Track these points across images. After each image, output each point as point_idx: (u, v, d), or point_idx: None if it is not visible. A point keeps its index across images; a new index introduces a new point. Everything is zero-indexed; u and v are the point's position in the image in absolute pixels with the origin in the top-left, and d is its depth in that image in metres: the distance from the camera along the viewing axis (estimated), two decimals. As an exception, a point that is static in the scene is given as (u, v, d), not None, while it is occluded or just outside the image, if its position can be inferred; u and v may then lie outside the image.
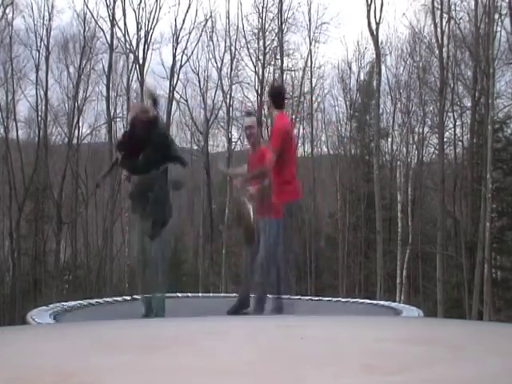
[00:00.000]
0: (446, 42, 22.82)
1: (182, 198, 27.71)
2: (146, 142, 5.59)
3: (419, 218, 25.47)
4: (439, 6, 22.76)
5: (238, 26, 26.53)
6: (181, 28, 26.88)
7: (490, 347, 1.66)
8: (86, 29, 27.27)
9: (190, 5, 26.75)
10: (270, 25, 26.61)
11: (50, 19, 27.00)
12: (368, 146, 28.01)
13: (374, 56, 23.75)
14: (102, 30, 26.90)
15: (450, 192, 24.01)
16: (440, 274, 20.93)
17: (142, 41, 26.79)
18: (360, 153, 28.88)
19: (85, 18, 26.95)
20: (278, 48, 26.25)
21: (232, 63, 26.58)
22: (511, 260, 23.51)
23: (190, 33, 26.90)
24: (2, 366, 1.42)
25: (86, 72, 27.94)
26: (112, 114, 27.30)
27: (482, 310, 18.90)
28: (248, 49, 26.71)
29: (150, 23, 26.70)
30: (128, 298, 8.12)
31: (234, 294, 7.48)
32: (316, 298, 9.97)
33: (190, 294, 9.04)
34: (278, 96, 6.15)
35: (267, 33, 26.55)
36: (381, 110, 25.18)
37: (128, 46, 26.95)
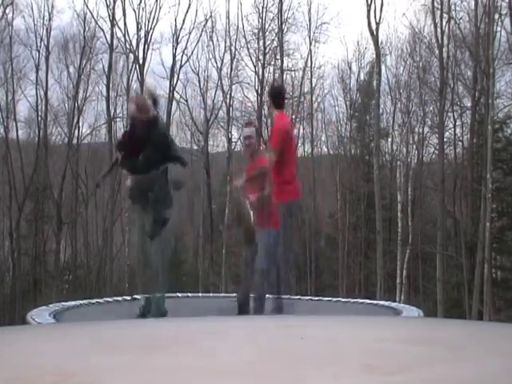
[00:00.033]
0: (446, 41, 22.83)
1: (182, 197, 27.71)
2: (145, 142, 5.59)
3: (419, 218, 25.47)
4: (439, 6, 22.76)
5: (237, 26, 26.57)
6: (181, 28, 26.93)
7: (490, 347, 1.66)
8: (86, 29, 27.32)
9: (190, 5, 26.79)
10: (269, 25, 26.65)
11: (50, 19, 27.07)
12: (368, 146, 28.01)
13: (374, 56, 23.77)
14: (102, 30, 26.95)
15: (450, 192, 24.01)
16: (440, 274, 20.93)
17: (142, 41, 26.84)
18: (360, 153, 28.89)
19: (85, 18, 27.00)
20: (278, 48, 26.25)
21: (232, 63, 26.60)
22: (511, 260, 23.51)
23: (190, 33, 26.96)
24: (2, 366, 1.42)
25: (86, 72, 27.99)
26: (112, 113, 27.33)
27: (482, 310, 18.90)
28: (248, 49, 26.75)
29: (150, 23, 26.75)
30: (128, 297, 8.12)
31: (233, 294, 7.49)
32: (316, 298, 9.97)
33: (190, 294, 9.04)
34: (278, 96, 6.17)
35: (267, 33, 26.58)
36: (381, 110, 25.21)
37: (128, 46, 26.98)
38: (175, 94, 27.39)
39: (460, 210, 24.42)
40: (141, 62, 26.61)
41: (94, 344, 1.72)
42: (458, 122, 25.51)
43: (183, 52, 26.91)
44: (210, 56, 27.14)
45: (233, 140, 27.04)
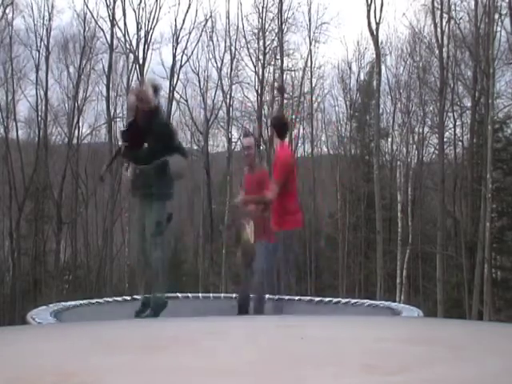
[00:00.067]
0: (446, 41, 22.83)
1: (182, 197, 27.73)
2: (147, 132, 5.58)
3: (419, 218, 25.47)
4: (439, 6, 22.76)
5: (237, 26, 26.59)
6: (181, 28, 26.93)
7: (490, 347, 1.66)
8: (86, 29, 27.33)
9: (190, 5, 26.79)
10: (269, 25, 26.66)
11: (50, 19, 27.08)
12: (368, 146, 28.02)
13: (374, 56, 23.77)
14: (102, 30, 26.95)
15: (450, 192, 24.02)
16: (440, 274, 20.93)
17: (142, 41, 26.83)
18: (360, 153, 28.89)
19: (85, 18, 27.01)
20: (278, 48, 26.25)
21: (232, 63, 26.61)
22: (511, 260, 23.51)
23: (190, 33, 26.96)
24: (2, 366, 1.42)
25: (86, 72, 28.00)
26: (112, 114, 27.33)
27: (482, 310, 18.90)
28: (248, 49, 26.77)
29: (150, 23, 26.75)
30: (128, 297, 8.13)
31: (233, 295, 7.49)
32: (316, 299, 9.97)
33: (190, 295, 9.03)
34: (282, 127, 6.35)
35: (267, 33, 26.59)
36: (381, 110, 25.21)
37: (128, 46, 26.98)
38: (175, 94, 27.44)
39: (460, 209, 24.43)
40: (141, 62, 26.63)
41: (94, 344, 1.72)
42: (458, 122, 25.56)
43: (183, 52, 26.97)
44: (210, 56, 27.20)
45: (233, 140, 27.09)
